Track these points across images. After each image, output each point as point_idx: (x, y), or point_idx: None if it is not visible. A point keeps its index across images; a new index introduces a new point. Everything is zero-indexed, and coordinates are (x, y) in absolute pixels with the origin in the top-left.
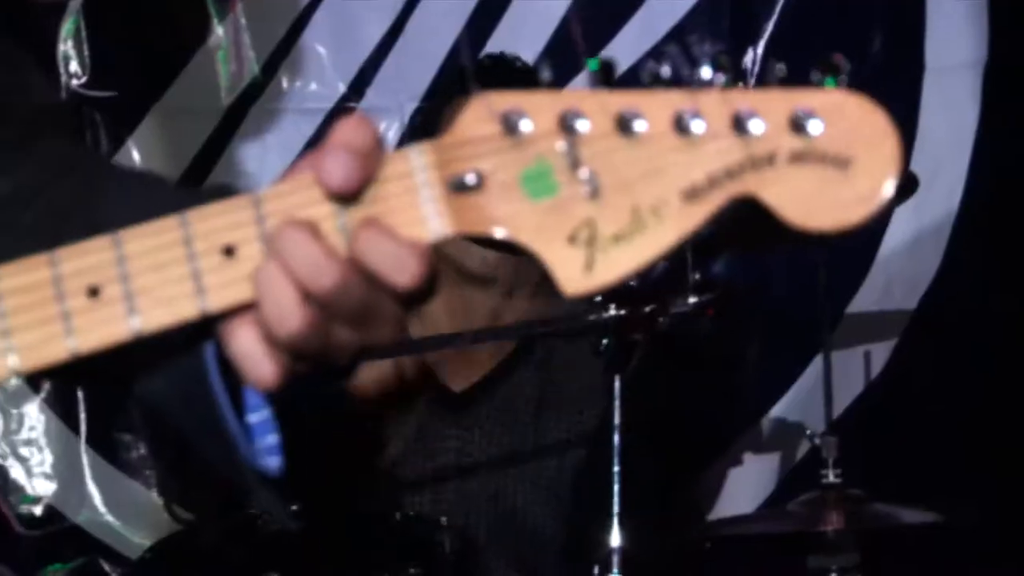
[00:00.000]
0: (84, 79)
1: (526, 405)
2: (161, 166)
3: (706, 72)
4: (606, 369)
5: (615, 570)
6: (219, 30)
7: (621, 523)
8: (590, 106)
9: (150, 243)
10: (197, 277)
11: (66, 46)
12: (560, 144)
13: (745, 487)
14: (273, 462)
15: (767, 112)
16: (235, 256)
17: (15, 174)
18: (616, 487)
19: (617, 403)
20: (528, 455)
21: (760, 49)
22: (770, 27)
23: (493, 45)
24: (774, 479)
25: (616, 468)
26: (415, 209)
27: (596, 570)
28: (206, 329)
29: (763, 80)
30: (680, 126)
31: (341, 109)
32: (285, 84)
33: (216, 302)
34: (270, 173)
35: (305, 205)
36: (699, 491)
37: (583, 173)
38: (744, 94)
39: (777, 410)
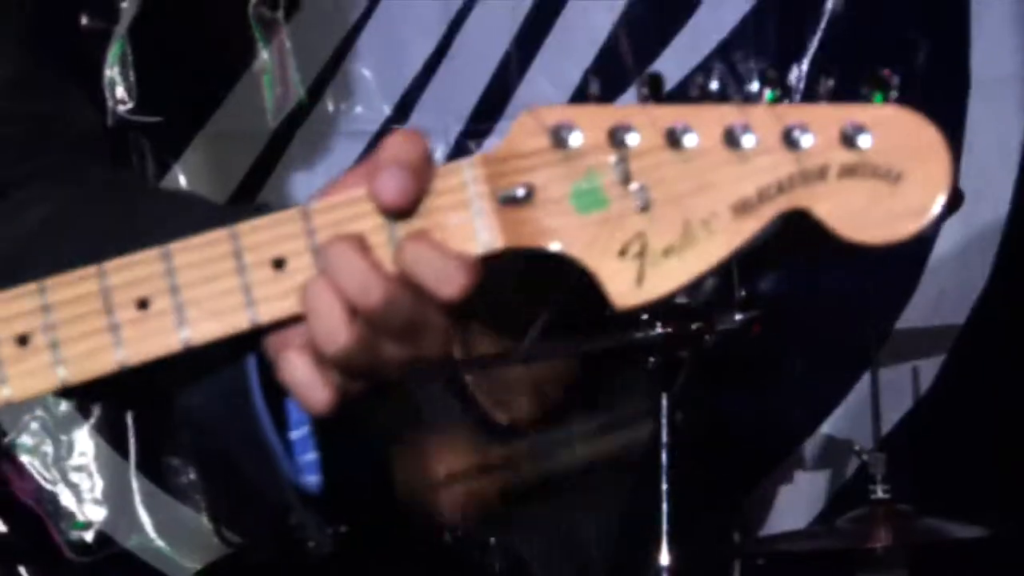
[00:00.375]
0: (130, 104)
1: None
2: (207, 191)
3: (755, 87)
4: (653, 387)
5: None
6: (264, 54)
7: (670, 541)
8: (640, 120)
9: (200, 255)
10: (247, 289)
11: (112, 71)
12: (610, 158)
13: (794, 504)
14: (312, 480)
15: (817, 126)
16: (285, 269)
17: (56, 198)
18: (665, 505)
19: (665, 421)
20: (576, 473)
21: (805, 65)
22: (815, 43)
23: (540, 64)
24: (823, 496)
25: (664, 487)
26: (465, 223)
27: None
28: (248, 342)
29: (811, 95)
30: (731, 140)
31: (387, 132)
32: (331, 107)
33: (266, 314)
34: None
35: (355, 218)
36: (749, 508)
37: (633, 187)
38: (794, 108)
39: (826, 427)
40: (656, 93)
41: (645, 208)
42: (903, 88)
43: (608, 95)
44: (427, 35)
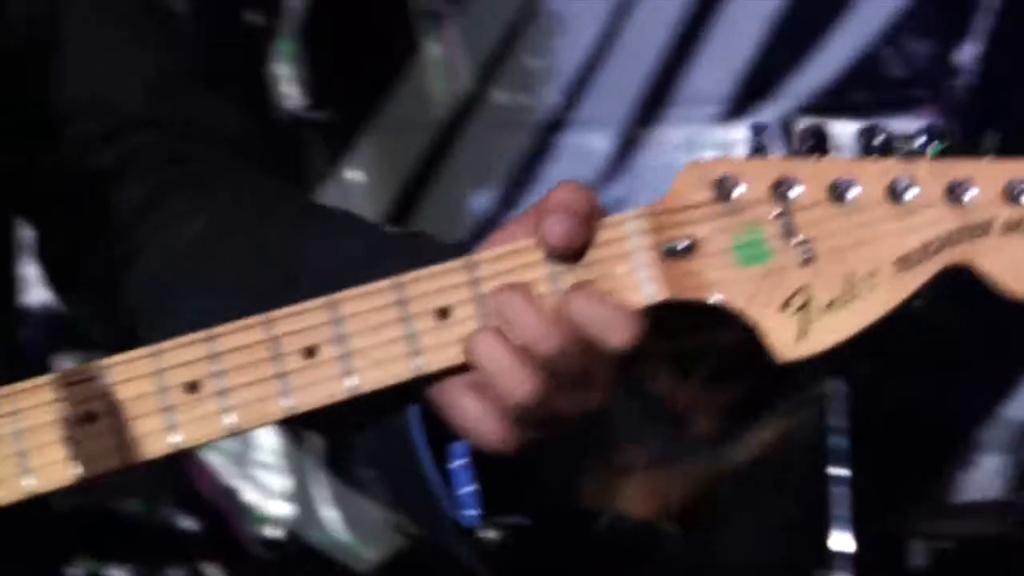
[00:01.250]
0: (301, 100)
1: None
2: (379, 183)
3: (920, 141)
4: (830, 373)
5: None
6: (433, 46)
7: (851, 528)
8: (804, 173)
9: (365, 305)
10: (412, 339)
11: (281, 67)
12: (774, 211)
13: (978, 488)
14: (471, 512)
15: (982, 181)
16: (450, 318)
17: (210, 210)
18: (844, 491)
19: (843, 407)
20: (745, 459)
21: (973, 46)
22: (984, 23)
23: (707, 50)
24: (1006, 479)
25: (845, 473)
26: (629, 274)
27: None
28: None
29: (974, 148)
30: (894, 194)
31: (556, 122)
32: (499, 97)
33: (431, 363)
34: (487, 185)
35: (520, 269)
36: (932, 493)
37: (796, 240)
38: (958, 163)
39: (1010, 410)
40: (820, 146)
41: (808, 262)
42: None
43: (773, 81)
44: (595, 22)
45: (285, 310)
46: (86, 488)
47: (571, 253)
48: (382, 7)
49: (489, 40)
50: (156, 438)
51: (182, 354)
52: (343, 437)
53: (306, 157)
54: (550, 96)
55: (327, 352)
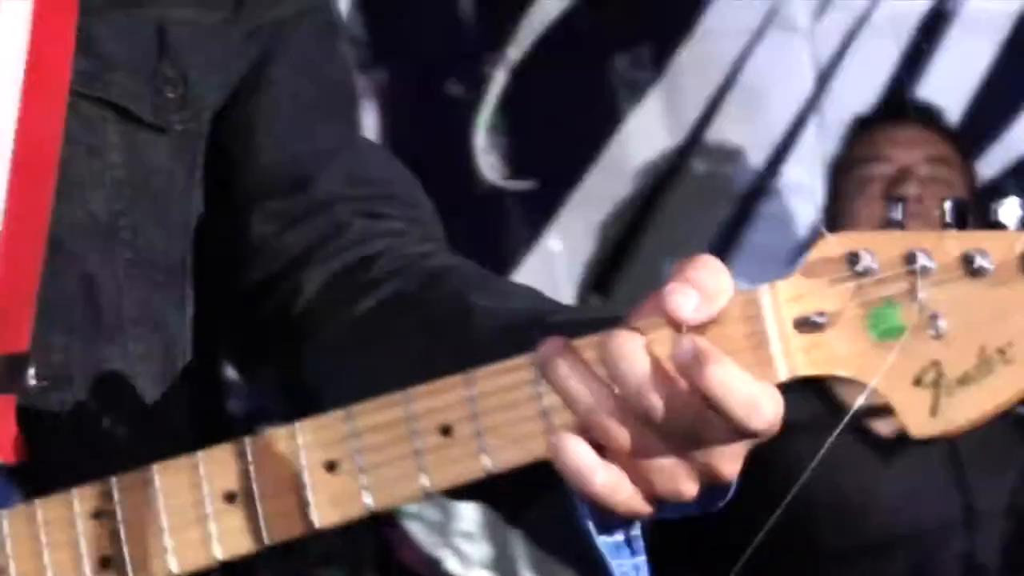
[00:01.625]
0: (502, 170)
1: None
2: (579, 252)
3: None
4: None
5: None
6: (633, 117)
7: None
8: (936, 246)
9: (502, 381)
10: (547, 415)
11: (482, 138)
12: (906, 284)
13: None
14: None
15: None
16: None
17: (395, 283)
18: None
19: None
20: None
21: None
22: None
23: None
24: None
25: None
26: (762, 348)
27: None
28: None
29: None
30: None
31: (758, 189)
32: (700, 167)
33: None
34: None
35: (654, 343)
36: None
37: (929, 313)
38: None
39: None
40: (960, 220)
41: (940, 335)
42: None
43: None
44: (797, 85)
45: (423, 386)
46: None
47: (696, 324)
48: (584, 77)
49: (689, 110)
50: (292, 518)
51: (321, 434)
52: (508, 510)
53: (507, 227)
54: (751, 164)
55: (463, 430)
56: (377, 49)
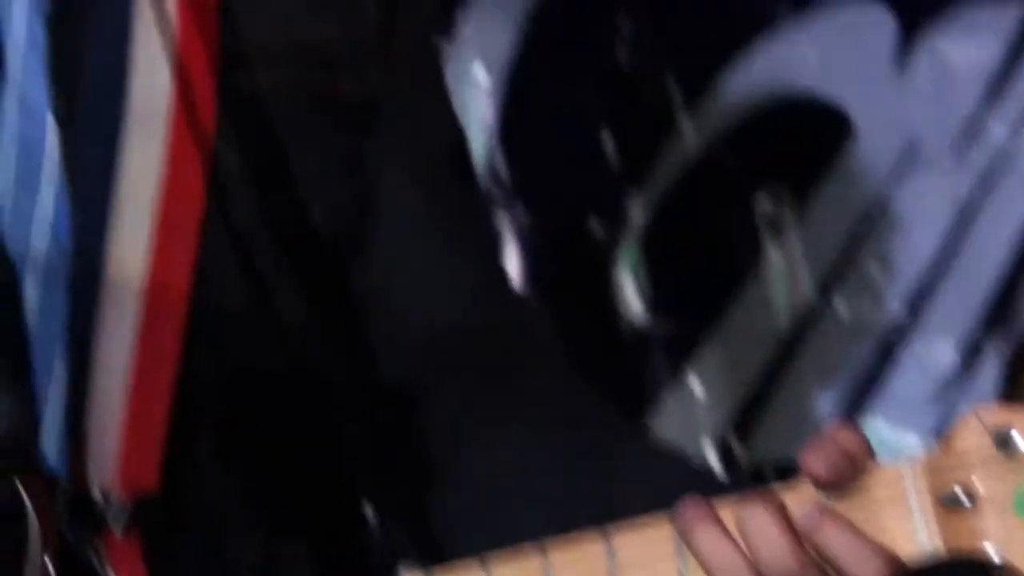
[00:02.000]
0: (643, 309)
1: None
2: (720, 394)
3: None
4: None
5: None
6: (773, 253)
7: None
8: None
9: (642, 538)
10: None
11: (624, 276)
12: None
13: None
14: None
15: None
16: None
17: (525, 438)
18: None
19: None
20: None
21: None
22: None
23: None
24: None
25: None
26: (904, 520)
27: None
28: None
29: None
30: None
31: (898, 331)
32: (841, 308)
33: None
34: (828, 398)
35: (794, 502)
36: None
37: None
38: None
39: None
40: None
41: None
42: None
43: None
44: (938, 228)
45: (563, 538)
46: None
47: (828, 482)
48: (728, 215)
49: (831, 247)
50: None
51: None
52: None
53: (648, 367)
54: (892, 305)
55: None
56: (518, 187)
